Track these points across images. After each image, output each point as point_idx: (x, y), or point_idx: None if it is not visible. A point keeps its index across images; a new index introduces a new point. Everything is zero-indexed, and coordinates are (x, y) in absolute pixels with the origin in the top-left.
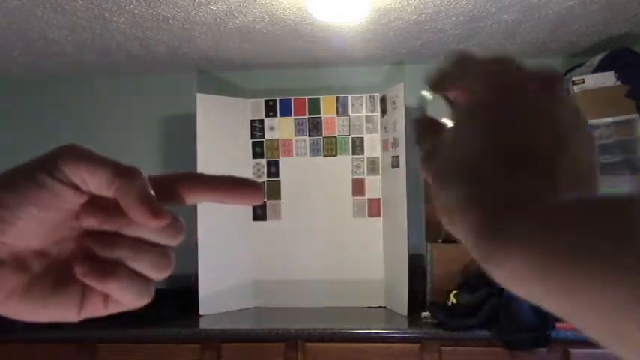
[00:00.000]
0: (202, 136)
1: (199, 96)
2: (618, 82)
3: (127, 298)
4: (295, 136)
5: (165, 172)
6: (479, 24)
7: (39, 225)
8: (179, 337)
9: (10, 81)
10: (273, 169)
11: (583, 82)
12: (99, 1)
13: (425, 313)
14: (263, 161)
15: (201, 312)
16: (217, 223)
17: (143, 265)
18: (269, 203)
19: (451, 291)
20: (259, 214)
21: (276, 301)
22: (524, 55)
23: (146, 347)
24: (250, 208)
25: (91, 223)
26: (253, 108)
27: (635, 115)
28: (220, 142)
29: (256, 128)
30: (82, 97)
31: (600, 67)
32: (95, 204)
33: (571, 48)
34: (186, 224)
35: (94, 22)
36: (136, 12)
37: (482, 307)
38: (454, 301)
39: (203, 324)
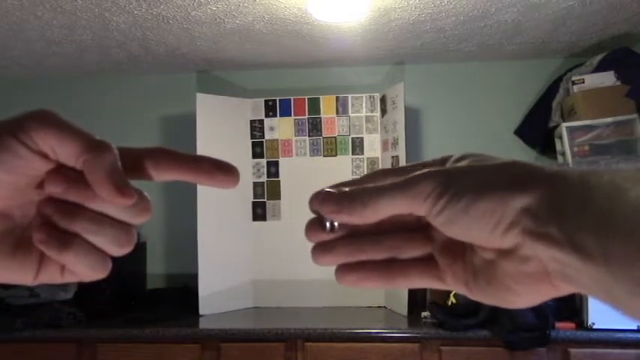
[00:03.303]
0: (202, 136)
1: (199, 96)
2: (618, 82)
3: (82, 271)
4: (295, 136)
5: None
6: (479, 24)
7: (2, 187)
8: (179, 337)
9: (10, 81)
10: (273, 169)
11: (583, 82)
12: (99, 1)
13: (425, 313)
14: (263, 161)
15: (201, 312)
16: (217, 223)
17: (103, 240)
18: (269, 203)
19: (451, 291)
20: (259, 214)
21: (276, 301)
22: (524, 55)
23: (146, 347)
24: (250, 209)
25: (55, 190)
26: (253, 108)
27: (635, 115)
28: (220, 142)
29: (256, 128)
30: (82, 97)
31: (600, 67)
32: (62, 172)
33: (571, 48)
34: (153, 202)
35: (94, 22)
36: (136, 12)
37: (482, 307)
38: (454, 301)
39: (203, 324)
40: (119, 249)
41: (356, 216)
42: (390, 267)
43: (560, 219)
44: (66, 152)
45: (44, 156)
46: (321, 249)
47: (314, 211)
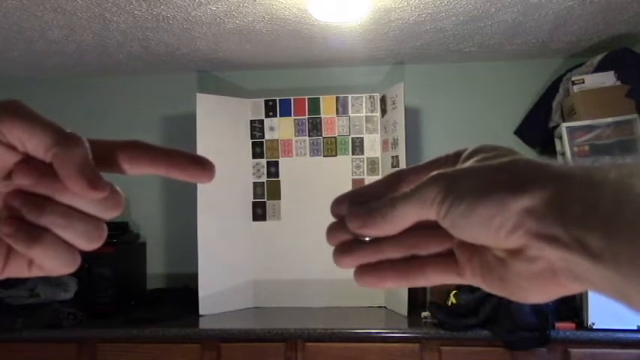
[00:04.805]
0: (202, 136)
1: (199, 96)
2: (618, 82)
3: (50, 266)
4: (295, 136)
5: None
6: (479, 24)
7: None
8: (179, 337)
9: (10, 81)
10: (273, 169)
11: (583, 82)
12: (99, 1)
13: (425, 313)
14: (263, 161)
15: (201, 312)
16: (217, 223)
17: (73, 235)
18: (269, 203)
19: (451, 291)
20: (259, 214)
21: (276, 301)
22: (524, 55)
23: (146, 347)
24: (250, 209)
25: (24, 182)
26: (253, 108)
27: (635, 115)
28: (220, 142)
29: (256, 128)
30: (82, 97)
31: (600, 67)
32: (31, 164)
33: (571, 48)
34: (126, 197)
35: (94, 22)
36: (136, 12)
37: (482, 307)
38: (454, 301)
39: (203, 324)
40: (89, 244)
41: (378, 229)
42: (407, 265)
43: (565, 220)
44: (34, 144)
45: (12, 148)
46: (341, 251)
47: (335, 216)
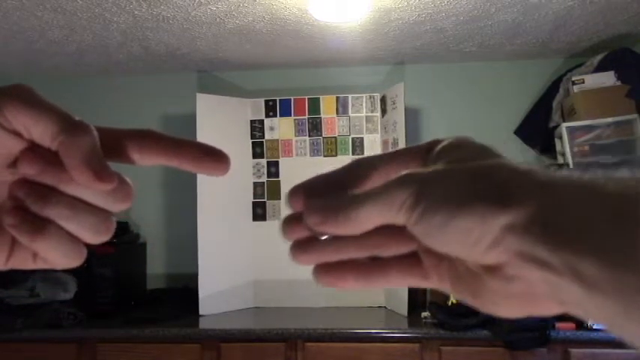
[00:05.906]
0: (202, 136)
1: (199, 96)
2: (618, 82)
3: (54, 259)
4: (295, 136)
5: (166, 174)
6: (479, 24)
7: None
8: (179, 337)
9: (10, 81)
10: (273, 169)
11: (583, 82)
12: (99, 1)
13: (425, 313)
14: (263, 161)
15: (201, 312)
16: (217, 223)
17: (78, 227)
18: (269, 203)
19: None
20: (259, 214)
21: (276, 301)
22: (525, 55)
23: (146, 347)
24: (250, 209)
25: (29, 171)
26: (253, 108)
27: (635, 115)
28: (220, 142)
29: (256, 128)
30: (82, 97)
31: (600, 67)
32: (37, 152)
33: (571, 48)
34: (135, 190)
35: (94, 22)
36: (135, 12)
37: None
38: (454, 301)
39: (203, 324)
40: (96, 237)
41: (339, 228)
42: (369, 266)
43: (553, 240)
44: (40, 132)
45: (17, 134)
46: (298, 248)
47: (292, 209)
